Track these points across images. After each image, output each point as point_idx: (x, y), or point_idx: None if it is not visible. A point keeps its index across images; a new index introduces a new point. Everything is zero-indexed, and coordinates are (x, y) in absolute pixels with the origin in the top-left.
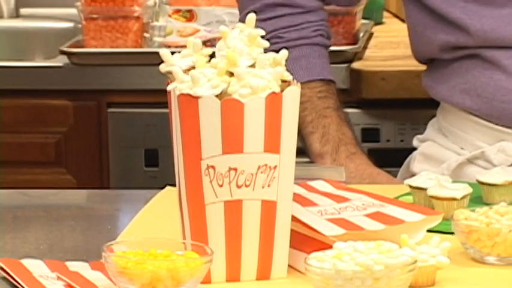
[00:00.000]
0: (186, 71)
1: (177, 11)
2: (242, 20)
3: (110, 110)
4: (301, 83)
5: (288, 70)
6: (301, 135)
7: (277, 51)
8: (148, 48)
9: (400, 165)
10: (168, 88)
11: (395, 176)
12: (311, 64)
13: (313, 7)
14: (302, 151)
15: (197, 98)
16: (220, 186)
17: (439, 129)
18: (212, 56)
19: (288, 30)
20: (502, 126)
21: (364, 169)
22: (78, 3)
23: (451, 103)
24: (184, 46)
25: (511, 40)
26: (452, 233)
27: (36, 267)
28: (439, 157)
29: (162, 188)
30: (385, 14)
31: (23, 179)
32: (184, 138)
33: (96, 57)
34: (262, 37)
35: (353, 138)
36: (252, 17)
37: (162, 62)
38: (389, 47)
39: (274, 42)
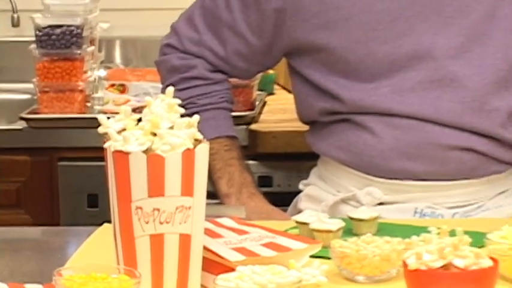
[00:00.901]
0: (119, 132)
1: (112, 85)
2: (163, 91)
3: (60, 163)
4: (211, 139)
5: (200, 129)
6: (211, 180)
7: (192, 114)
8: (89, 114)
9: (288, 205)
10: (105, 146)
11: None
12: (218, 124)
13: (219, 79)
14: (212, 194)
15: (128, 153)
16: (147, 222)
17: (319, 176)
18: (139, 120)
19: (200, 98)
20: (369, 174)
21: (261, 206)
22: (34, 80)
23: (329, 156)
24: (117, 113)
25: (374, 108)
26: (329, 258)
27: None
28: (320, 198)
29: (101, 224)
30: (276, 86)
31: None
32: (117, 185)
33: (48, 122)
34: (179, 105)
35: (252, 182)
36: (170, 90)
37: (100, 125)
38: (279, 112)
39: (189, 107)
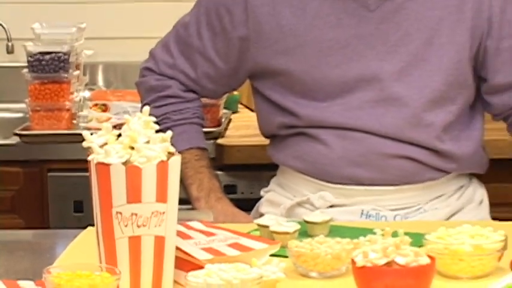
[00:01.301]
0: (101, 146)
1: (96, 105)
2: (141, 110)
3: (49, 174)
4: (184, 150)
5: (174, 141)
6: (183, 185)
7: (167, 128)
8: (75, 130)
9: (251, 209)
10: (89, 158)
11: None
12: (190, 137)
13: (191, 98)
14: (183, 201)
15: (109, 165)
16: (126, 226)
17: (278, 183)
18: (119, 135)
19: (175, 114)
20: (321, 181)
21: (227, 209)
22: (27, 100)
23: (286, 166)
24: (100, 129)
25: (327, 123)
26: (286, 257)
27: None
28: (278, 202)
29: (85, 227)
30: (240, 105)
31: None
32: (100, 192)
33: (39, 137)
34: (156, 120)
35: (220, 188)
36: (146, 109)
37: (85, 140)
38: (242, 128)
39: (165, 121)
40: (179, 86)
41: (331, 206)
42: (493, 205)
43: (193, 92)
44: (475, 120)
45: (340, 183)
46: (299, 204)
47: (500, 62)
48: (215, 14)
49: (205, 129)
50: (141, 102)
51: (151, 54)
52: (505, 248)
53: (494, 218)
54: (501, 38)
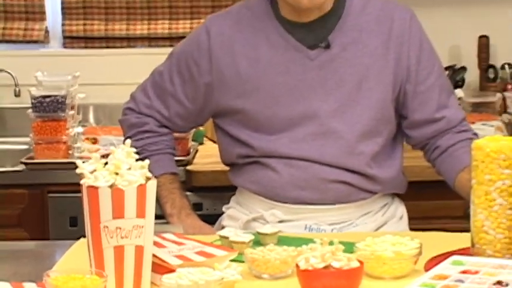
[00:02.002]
0: (91, 172)
1: (87, 138)
2: (124, 142)
3: (49, 195)
4: (159, 175)
5: (151, 168)
6: (159, 204)
7: (145, 157)
8: (71, 159)
9: (215, 223)
10: (81, 182)
11: None
12: (164, 164)
13: (165, 132)
14: (159, 216)
15: (97, 187)
16: (111, 237)
17: (237, 202)
18: (106, 163)
19: (151, 145)
20: (272, 200)
21: (195, 223)
22: (31, 135)
23: (244, 188)
24: (91, 158)
25: (276, 153)
26: (243, 262)
27: (4, 286)
28: (237, 217)
29: (78, 238)
30: (205, 138)
31: None
32: (90, 210)
33: (41, 165)
34: (136, 151)
35: (189, 206)
36: (128, 142)
37: (78, 167)
38: (207, 157)
39: (143, 152)
40: (155, 122)
41: (280, 221)
42: (411, 219)
43: (167, 127)
44: (397, 150)
45: (287, 203)
46: (254, 219)
47: (417, 103)
48: (185, 64)
49: (176, 158)
50: (124, 136)
51: (132, 96)
52: (420, 253)
53: (412, 229)
54: (417, 83)
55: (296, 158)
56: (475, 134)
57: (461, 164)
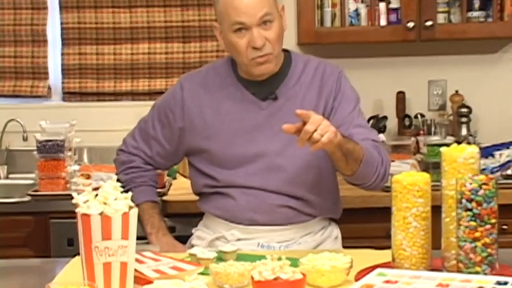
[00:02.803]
0: (84, 202)
1: (82, 175)
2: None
3: (51, 220)
4: (143, 202)
5: (136, 197)
6: (141, 225)
7: (132, 188)
8: (68, 192)
9: (186, 242)
10: (76, 210)
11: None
12: (147, 194)
13: (149, 169)
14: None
15: (89, 215)
16: (101, 255)
17: (204, 225)
18: (97, 195)
19: (137, 178)
20: (232, 223)
21: (171, 242)
22: (36, 172)
23: (209, 213)
24: (84, 191)
25: (234, 184)
26: (208, 274)
27: None
28: (203, 237)
29: (74, 256)
30: (178, 174)
31: (10, 254)
32: (83, 233)
33: (44, 197)
34: (122, 184)
35: (165, 227)
36: (114, 178)
37: (73, 198)
38: (179, 189)
39: (130, 183)
40: (141, 160)
41: (238, 240)
42: (344, 238)
43: (151, 165)
44: (333, 181)
45: (244, 224)
46: (217, 238)
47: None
48: (163, 113)
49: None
50: (116, 171)
51: (123, 140)
52: (351, 267)
53: (345, 247)
54: (336, 122)
55: (250, 187)
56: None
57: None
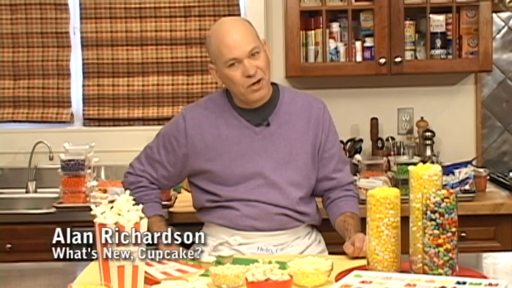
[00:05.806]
0: (101, 213)
1: (99, 189)
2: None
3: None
4: (151, 215)
5: (145, 211)
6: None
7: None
8: (88, 204)
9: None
10: (95, 220)
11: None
12: (154, 209)
13: (154, 188)
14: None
15: (106, 224)
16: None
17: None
18: (112, 207)
19: (145, 196)
20: (234, 229)
21: (175, 248)
22: (60, 187)
23: (212, 223)
24: (102, 203)
25: (236, 198)
26: (208, 276)
27: None
28: (207, 243)
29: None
30: (182, 189)
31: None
32: (101, 239)
33: (67, 209)
34: (133, 199)
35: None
36: (127, 192)
37: (92, 210)
38: (183, 203)
39: (139, 201)
40: (147, 181)
41: (240, 244)
42: (326, 244)
43: (155, 185)
44: (312, 194)
45: (245, 231)
46: (220, 244)
47: (321, 164)
48: (168, 140)
49: (163, 203)
50: (125, 191)
51: (130, 165)
52: (332, 269)
53: (329, 253)
54: (324, 152)
55: (249, 200)
56: (356, 194)
57: (340, 211)
